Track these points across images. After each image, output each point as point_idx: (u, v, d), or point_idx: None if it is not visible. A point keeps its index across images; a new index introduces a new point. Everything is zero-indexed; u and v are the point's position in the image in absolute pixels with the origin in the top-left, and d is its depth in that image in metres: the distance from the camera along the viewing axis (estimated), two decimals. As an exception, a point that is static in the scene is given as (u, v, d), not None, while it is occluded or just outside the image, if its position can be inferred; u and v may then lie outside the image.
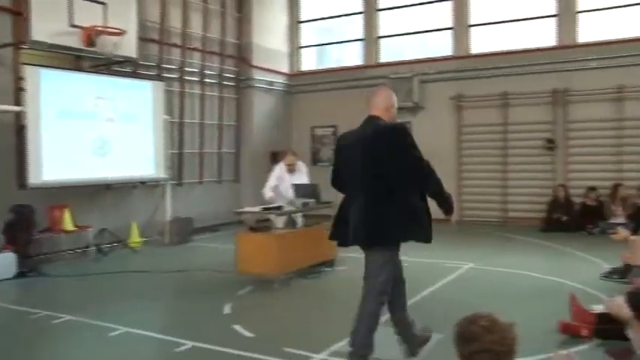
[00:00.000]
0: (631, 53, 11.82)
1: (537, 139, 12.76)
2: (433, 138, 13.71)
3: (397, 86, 13.93)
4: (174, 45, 12.54)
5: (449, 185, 13.76)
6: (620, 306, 4.20)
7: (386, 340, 4.78)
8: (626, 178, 11.78)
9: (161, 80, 11.69)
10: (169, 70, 12.36)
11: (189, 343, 5.22)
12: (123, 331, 5.67)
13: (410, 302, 6.45)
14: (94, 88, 10.13)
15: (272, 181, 9.06)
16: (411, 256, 9.33)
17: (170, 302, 7.27)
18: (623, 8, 12.20)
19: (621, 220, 11.22)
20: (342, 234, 4.52)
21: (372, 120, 4.49)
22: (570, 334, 5.18)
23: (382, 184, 4.23)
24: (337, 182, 4.73)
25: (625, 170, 11.92)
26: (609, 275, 7.44)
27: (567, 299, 5.53)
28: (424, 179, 4.30)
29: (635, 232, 8.14)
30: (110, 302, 6.97)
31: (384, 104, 4.55)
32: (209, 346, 5.16)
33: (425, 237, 4.31)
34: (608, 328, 4.85)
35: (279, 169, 9.18)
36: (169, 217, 11.51)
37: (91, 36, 9.47)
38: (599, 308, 5.39)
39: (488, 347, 2.19)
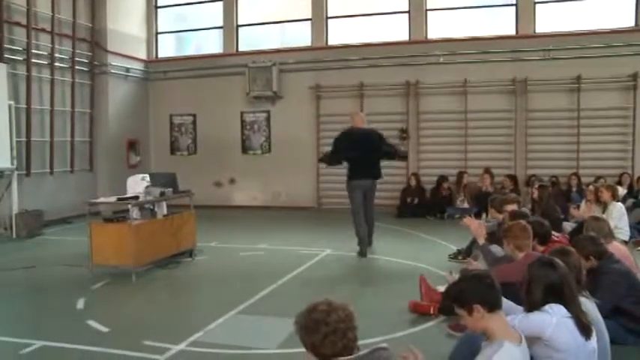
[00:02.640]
0: (473, 51, 12.75)
1: (392, 129, 13.34)
2: (292, 127, 14.05)
3: (256, 75, 14.06)
4: (19, 24, 11.65)
5: (308, 173, 14.12)
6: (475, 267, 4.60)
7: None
8: (470, 167, 12.75)
9: (3, 62, 10.85)
10: (13, 52, 11.48)
11: (38, 343, 4.94)
12: (-42, 335, 5.24)
13: (269, 289, 6.65)
14: None
15: None
16: (272, 244, 9.53)
17: (16, 301, 6.76)
18: (468, 9, 13.22)
19: (466, 205, 12.12)
20: (364, 176, 8.74)
21: (362, 127, 9.04)
22: (419, 312, 5.55)
23: (375, 156, 8.88)
24: (339, 156, 9.11)
25: (470, 159, 12.88)
26: (455, 256, 8.01)
27: (417, 281, 5.88)
28: (391, 155, 9.45)
29: (478, 215, 8.84)
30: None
31: (364, 120, 9.29)
32: (60, 344, 4.93)
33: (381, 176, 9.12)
34: (450, 304, 5.23)
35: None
36: (16, 210, 10.77)
37: None
38: (444, 287, 5.80)
39: (335, 327, 2.30)
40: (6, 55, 11.18)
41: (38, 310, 6.26)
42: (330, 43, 14.15)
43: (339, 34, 14.12)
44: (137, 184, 8.57)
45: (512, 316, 3.14)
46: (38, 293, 6.99)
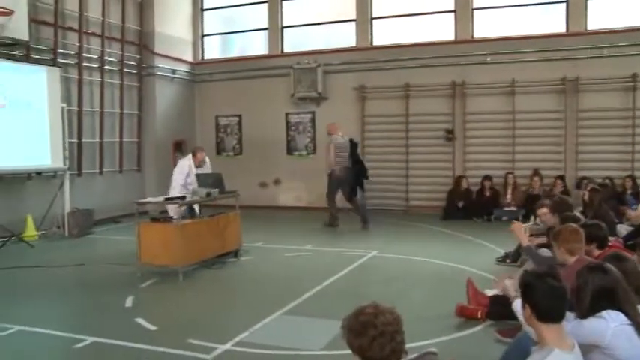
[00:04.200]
0: (521, 50, 12.49)
1: (437, 130, 13.24)
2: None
3: (301, 76, 14.10)
4: (71, 29, 11.97)
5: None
6: (505, 287, 4.46)
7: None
8: (518, 168, 12.49)
9: (57, 66, 11.15)
10: (66, 56, 11.80)
11: (90, 339, 5.05)
12: (15, 329, 5.40)
13: (314, 291, 6.64)
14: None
15: (181, 179, 8.89)
16: (317, 245, 9.53)
17: (69, 297, 6.97)
18: (515, 8, 12.92)
19: (513, 208, 11.89)
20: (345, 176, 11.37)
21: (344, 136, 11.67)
22: (466, 316, 5.44)
23: (353, 160, 11.48)
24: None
25: (517, 160, 12.61)
26: (503, 259, 7.86)
27: (464, 284, 5.78)
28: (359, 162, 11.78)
29: (525, 218, 8.66)
30: (1, 300, 6.62)
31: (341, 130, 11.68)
32: (111, 341, 5.02)
33: None
34: (499, 309, 5.14)
35: (188, 163, 9.02)
36: (68, 209, 11.04)
37: (-27, 14, 8.87)
38: (492, 291, 5.70)
39: (383, 330, 2.27)
40: (59, 60, 11.49)
41: (89, 306, 6.39)
42: (374, 43, 14.07)
43: (383, 34, 14.02)
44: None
45: (566, 322, 3.04)
46: (89, 290, 7.14)
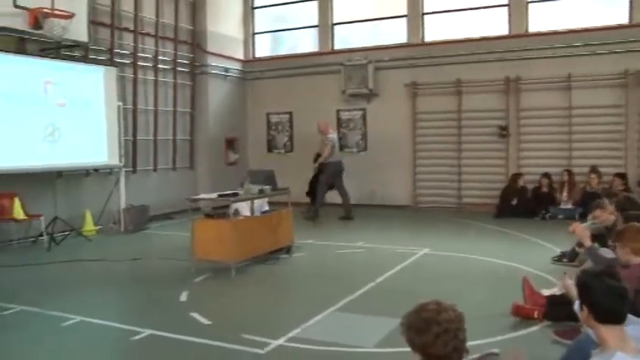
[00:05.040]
0: (578, 43, 12.13)
1: (490, 127, 12.99)
2: (388, 125, 13.93)
3: (352, 73, 14.06)
4: (127, 29, 12.27)
5: (404, 171, 14.15)
6: (567, 286, 4.35)
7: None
8: (575, 165, 12.14)
9: (113, 65, 11.43)
10: (122, 56, 12.10)
11: (147, 331, 5.16)
12: (77, 320, 5.56)
13: (366, 288, 6.61)
14: (43, 72, 9.84)
15: None
16: (369, 242, 9.50)
17: (125, 290, 7.16)
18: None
19: (570, 206, 11.58)
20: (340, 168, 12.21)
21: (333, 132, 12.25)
22: (522, 316, 5.31)
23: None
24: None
25: (574, 157, 12.26)
26: (559, 259, 7.66)
27: (519, 283, 5.65)
28: None
29: (583, 217, 8.41)
30: (63, 291, 6.83)
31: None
32: (166, 334, 5.11)
33: None
34: (557, 309, 5.01)
35: None
36: (124, 205, 11.31)
37: (37, 18, 9.13)
38: (549, 291, 5.56)
39: (446, 327, 2.23)
40: (115, 59, 11.78)
41: (145, 300, 6.54)
42: (426, 39, 13.92)
43: (435, 30, 13.85)
44: None
45: (631, 326, 2.93)
46: (145, 284, 7.29)
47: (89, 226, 10.74)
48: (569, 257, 7.46)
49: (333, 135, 12.38)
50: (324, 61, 14.53)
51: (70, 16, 9.51)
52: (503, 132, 12.85)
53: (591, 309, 2.64)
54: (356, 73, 13.97)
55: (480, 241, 9.39)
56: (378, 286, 6.73)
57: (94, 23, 10.99)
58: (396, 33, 14.21)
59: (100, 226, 11.02)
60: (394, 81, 13.85)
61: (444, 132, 13.48)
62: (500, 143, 12.94)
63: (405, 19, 14.04)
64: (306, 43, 15.50)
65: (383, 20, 14.55)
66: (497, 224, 11.13)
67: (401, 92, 13.84)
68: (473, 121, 13.18)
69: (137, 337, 5.07)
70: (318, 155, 12.46)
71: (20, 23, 9.10)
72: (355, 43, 14.69)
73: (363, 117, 14.43)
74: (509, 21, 12.99)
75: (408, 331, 2.32)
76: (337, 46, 14.95)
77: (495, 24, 13.15)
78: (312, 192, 12.48)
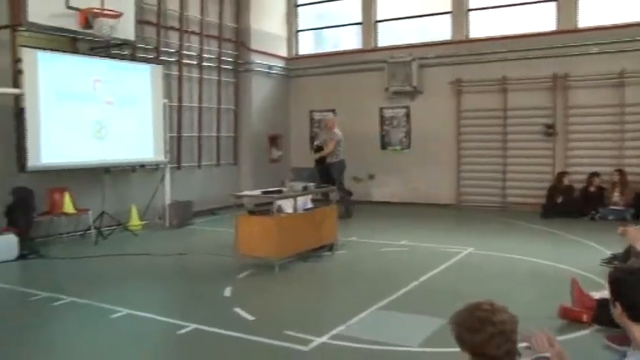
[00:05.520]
0: (631, 38, 11.77)
1: (537, 125, 12.74)
2: (432, 122, 13.81)
3: (395, 70, 13.97)
4: (172, 28, 12.45)
5: (448, 170, 14.02)
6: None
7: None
8: (627, 165, 11.78)
9: (159, 63, 11.61)
10: (168, 54, 12.29)
11: (192, 325, 5.23)
12: (124, 313, 5.69)
13: (410, 287, 6.56)
14: (92, 70, 10.07)
15: None
16: (412, 240, 9.44)
17: (171, 285, 7.28)
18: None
19: (621, 207, 11.26)
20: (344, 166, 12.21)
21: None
22: (570, 319, 5.18)
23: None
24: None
25: (626, 157, 11.89)
26: (610, 261, 7.43)
27: (567, 285, 5.51)
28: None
29: (635, 218, 8.16)
30: (111, 284, 6.99)
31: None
32: (211, 329, 5.17)
33: None
34: (607, 313, 4.85)
35: None
36: (169, 201, 11.50)
37: (87, 18, 9.36)
38: (599, 294, 5.40)
39: (502, 328, 2.17)
40: (161, 57, 11.97)
41: (190, 294, 6.63)
42: (470, 36, 13.72)
43: (480, 26, 13.64)
44: None
45: None
46: (189, 279, 7.41)
47: (135, 221, 10.95)
48: (620, 260, 7.24)
49: (338, 132, 12.35)
50: (368, 59, 14.47)
51: (118, 16, 9.72)
52: (550, 130, 12.58)
53: (624, 305, 2.55)
54: (399, 70, 13.88)
55: (525, 241, 9.22)
56: (422, 285, 6.68)
57: (140, 22, 11.18)
58: (440, 30, 14.05)
59: (145, 221, 11.22)
60: (438, 78, 13.71)
61: (489, 130, 13.27)
62: (547, 142, 12.67)
63: (449, 15, 13.87)
64: (349, 40, 15.46)
65: (427, 17, 14.41)
66: (544, 224, 10.91)
67: (445, 90, 13.69)
68: (518, 119, 12.94)
69: (182, 330, 5.15)
70: (319, 148, 12.53)
71: (72, 23, 9.33)
72: (399, 40, 14.60)
73: (407, 115, 14.31)
74: (558, 16, 12.70)
75: (458, 329, 2.25)
76: (380, 43, 14.86)
77: (542, 19, 12.87)
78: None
